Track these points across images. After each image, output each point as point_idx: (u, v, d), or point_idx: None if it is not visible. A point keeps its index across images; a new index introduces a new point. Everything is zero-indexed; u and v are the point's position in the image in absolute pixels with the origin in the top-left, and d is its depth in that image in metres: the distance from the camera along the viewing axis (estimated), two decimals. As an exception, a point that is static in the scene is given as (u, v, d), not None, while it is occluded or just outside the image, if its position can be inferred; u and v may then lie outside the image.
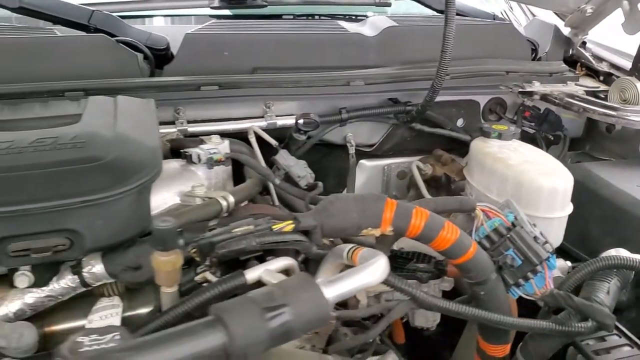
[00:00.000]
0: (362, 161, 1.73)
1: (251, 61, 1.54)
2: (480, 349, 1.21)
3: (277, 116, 1.54)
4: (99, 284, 1.04)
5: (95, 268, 1.02)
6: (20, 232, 0.91)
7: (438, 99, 1.56)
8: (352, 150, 1.67)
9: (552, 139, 1.87)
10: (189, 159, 1.22)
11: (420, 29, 1.74)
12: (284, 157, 1.29)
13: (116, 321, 1.08)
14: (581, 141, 1.95)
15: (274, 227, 0.95)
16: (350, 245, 0.94)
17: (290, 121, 1.54)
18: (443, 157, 1.77)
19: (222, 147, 1.21)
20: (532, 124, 1.81)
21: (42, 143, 1.01)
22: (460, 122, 1.79)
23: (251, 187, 1.19)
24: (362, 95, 1.60)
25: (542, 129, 1.81)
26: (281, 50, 1.57)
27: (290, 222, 0.96)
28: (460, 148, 1.77)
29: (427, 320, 1.33)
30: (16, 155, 0.97)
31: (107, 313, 1.09)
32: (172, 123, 1.39)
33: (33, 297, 1.02)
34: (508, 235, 1.09)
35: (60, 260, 0.99)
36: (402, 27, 1.70)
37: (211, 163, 1.18)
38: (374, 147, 1.75)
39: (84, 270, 1.01)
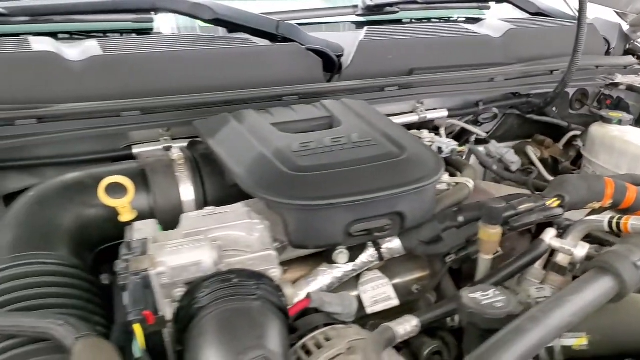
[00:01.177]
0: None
1: (409, 63, 1.75)
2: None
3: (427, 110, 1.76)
4: (389, 258, 1.24)
5: (392, 244, 1.22)
6: (362, 216, 1.10)
7: (543, 90, 1.84)
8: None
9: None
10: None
11: (535, 30, 2.01)
12: (495, 146, 1.51)
13: (389, 290, 1.29)
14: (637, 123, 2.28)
15: (547, 203, 1.19)
16: (610, 215, 1.18)
17: (436, 114, 1.77)
18: (546, 141, 2.05)
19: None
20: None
21: (339, 142, 1.20)
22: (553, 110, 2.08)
23: (473, 173, 1.42)
24: (491, 90, 1.85)
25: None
26: (432, 52, 1.79)
27: (556, 199, 1.20)
28: (552, 133, 2.06)
29: None
30: (339, 152, 1.15)
31: (378, 284, 1.30)
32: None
33: (341, 271, 1.21)
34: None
35: (380, 238, 1.18)
36: (521, 29, 1.96)
37: (455, 154, 1.39)
38: (488, 134, 2.00)
39: (382, 246, 1.22)
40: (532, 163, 1.93)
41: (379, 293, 1.28)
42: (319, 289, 1.19)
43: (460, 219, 1.22)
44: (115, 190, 1.07)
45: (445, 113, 1.78)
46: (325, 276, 1.20)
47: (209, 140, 1.25)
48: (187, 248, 0.95)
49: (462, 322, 1.04)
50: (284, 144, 1.18)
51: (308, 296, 1.11)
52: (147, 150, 1.35)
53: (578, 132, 2.03)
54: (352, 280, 1.27)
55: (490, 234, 1.11)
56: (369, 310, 1.25)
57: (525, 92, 1.91)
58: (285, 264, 1.18)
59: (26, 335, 0.84)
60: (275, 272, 1.00)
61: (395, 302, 1.26)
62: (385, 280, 1.30)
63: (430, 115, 1.76)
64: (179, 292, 0.95)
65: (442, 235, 1.20)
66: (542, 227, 1.18)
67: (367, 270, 1.28)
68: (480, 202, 1.22)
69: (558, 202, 1.20)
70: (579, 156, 2.00)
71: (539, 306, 0.88)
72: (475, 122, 1.75)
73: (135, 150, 1.40)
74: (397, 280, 1.32)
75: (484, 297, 0.97)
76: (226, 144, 1.22)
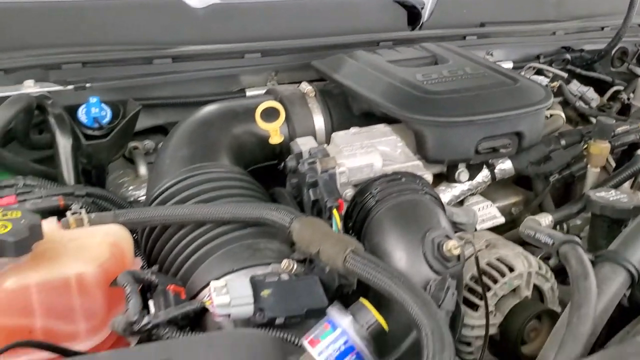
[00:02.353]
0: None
1: (481, 17, 1.90)
2: None
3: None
4: (500, 178, 1.39)
5: (505, 165, 1.37)
6: (490, 134, 1.24)
7: (594, 47, 1.99)
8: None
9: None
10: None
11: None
12: (576, 85, 1.66)
13: (494, 210, 1.44)
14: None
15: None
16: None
17: (503, 66, 1.91)
18: (593, 95, 2.21)
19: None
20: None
21: (456, 74, 1.34)
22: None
23: (561, 108, 1.56)
24: (551, 44, 2.00)
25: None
26: (501, 8, 1.94)
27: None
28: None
29: None
30: (460, 81, 1.29)
31: (482, 205, 1.44)
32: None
33: (458, 190, 1.36)
34: None
35: (500, 157, 1.32)
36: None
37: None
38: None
39: (496, 167, 1.36)
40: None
41: (485, 213, 1.43)
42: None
43: (563, 142, 1.37)
44: (265, 116, 1.20)
45: (510, 64, 1.92)
46: (446, 194, 1.34)
47: (334, 75, 1.38)
48: (359, 152, 1.08)
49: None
50: (408, 75, 1.31)
51: (438, 207, 1.25)
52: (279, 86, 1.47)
53: (621, 87, 2.18)
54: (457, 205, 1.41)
55: (601, 148, 1.26)
56: (478, 227, 1.39)
57: (578, 47, 2.06)
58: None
59: (242, 221, 0.98)
60: (428, 176, 1.13)
61: (501, 219, 1.40)
62: (489, 202, 1.44)
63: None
64: (350, 192, 1.09)
65: (551, 156, 1.34)
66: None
67: (469, 195, 1.43)
68: (580, 128, 1.37)
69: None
70: (622, 109, 2.16)
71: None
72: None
73: (249, 92, 1.53)
74: (496, 204, 1.47)
75: (609, 195, 1.13)
76: (352, 77, 1.35)
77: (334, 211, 0.98)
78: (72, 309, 0.82)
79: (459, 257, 0.94)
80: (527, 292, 1.09)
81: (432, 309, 0.74)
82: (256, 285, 0.83)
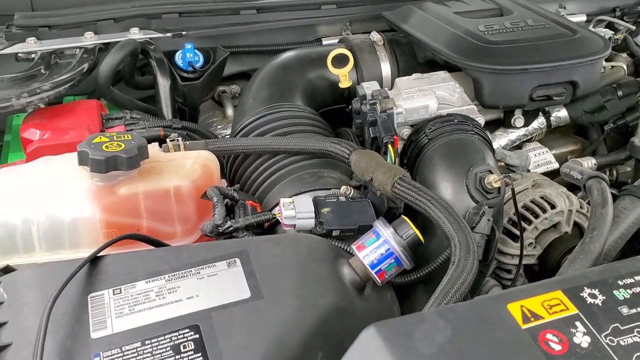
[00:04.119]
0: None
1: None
2: None
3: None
4: (556, 126, 1.47)
5: (560, 113, 1.45)
6: (544, 82, 1.32)
7: None
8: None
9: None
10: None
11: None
12: None
13: (549, 156, 1.52)
14: None
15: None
16: None
17: (576, 19, 1.93)
18: None
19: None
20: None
21: (518, 25, 1.42)
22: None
23: (624, 60, 1.61)
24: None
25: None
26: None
27: None
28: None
29: None
30: (520, 32, 1.38)
31: (539, 152, 1.53)
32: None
33: (515, 134, 1.46)
34: None
35: (554, 104, 1.41)
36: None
37: (612, 41, 1.59)
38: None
39: (552, 114, 1.44)
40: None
41: (540, 159, 1.52)
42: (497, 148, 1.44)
43: (620, 93, 1.42)
44: (336, 62, 1.34)
45: (583, 17, 1.94)
46: (502, 138, 1.45)
47: (402, 25, 1.50)
48: (417, 95, 1.21)
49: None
50: (472, 26, 1.40)
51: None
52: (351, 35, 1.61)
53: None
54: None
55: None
56: (533, 171, 1.49)
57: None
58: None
59: (309, 152, 1.14)
60: (481, 119, 1.24)
61: (555, 165, 1.49)
62: (545, 149, 1.53)
63: (571, 19, 1.93)
64: (406, 132, 1.22)
65: (606, 106, 1.41)
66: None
67: (527, 141, 1.52)
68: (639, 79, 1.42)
69: None
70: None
71: None
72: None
73: (325, 42, 1.67)
74: (553, 152, 1.55)
75: (653, 142, 1.20)
76: (419, 27, 1.46)
77: (389, 146, 1.12)
78: (171, 214, 1.02)
79: (499, 190, 1.06)
80: (567, 229, 1.20)
81: (462, 225, 0.88)
82: (317, 203, 0.99)
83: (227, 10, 1.58)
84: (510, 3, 1.59)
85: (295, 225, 0.97)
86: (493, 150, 1.19)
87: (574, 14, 1.94)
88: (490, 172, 1.07)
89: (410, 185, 0.96)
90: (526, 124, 1.42)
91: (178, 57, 1.49)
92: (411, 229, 0.89)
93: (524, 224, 1.19)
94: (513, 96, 1.31)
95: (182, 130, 1.33)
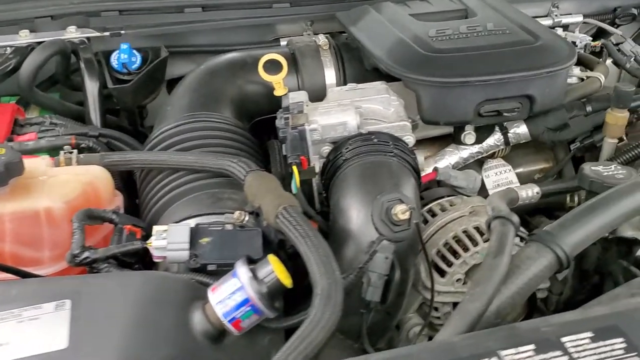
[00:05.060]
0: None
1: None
2: None
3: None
4: (515, 143, 1.32)
5: (519, 129, 1.30)
6: (493, 96, 1.18)
7: None
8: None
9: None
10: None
11: None
12: (630, 44, 1.49)
13: (511, 175, 1.37)
14: None
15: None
16: None
17: (571, 19, 1.75)
18: None
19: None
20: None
21: (474, 30, 1.27)
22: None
23: (605, 70, 1.43)
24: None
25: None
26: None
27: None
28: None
29: None
30: (474, 38, 1.23)
31: (500, 170, 1.38)
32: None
33: (467, 152, 1.31)
34: None
35: (507, 121, 1.26)
36: None
37: (589, 49, 1.42)
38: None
39: (510, 131, 1.29)
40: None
41: (501, 178, 1.37)
42: (445, 167, 1.30)
43: (589, 108, 1.26)
44: (272, 67, 1.22)
45: (580, 18, 1.76)
46: (452, 156, 1.31)
47: (350, 28, 1.37)
48: (335, 111, 1.09)
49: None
50: (422, 30, 1.26)
51: (435, 170, 1.23)
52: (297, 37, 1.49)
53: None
54: (476, 167, 1.37)
55: (618, 118, 1.15)
56: (492, 192, 1.35)
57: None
58: (415, 145, 1.29)
59: (208, 170, 1.04)
60: (409, 139, 1.12)
61: (516, 185, 1.34)
62: (508, 168, 1.38)
63: (565, 20, 1.76)
64: (326, 149, 1.10)
65: (569, 123, 1.25)
66: None
67: (490, 158, 1.38)
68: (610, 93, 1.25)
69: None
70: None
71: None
72: (612, 24, 1.71)
73: (283, 42, 1.55)
74: (520, 170, 1.40)
75: (606, 170, 1.04)
76: (367, 31, 1.33)
77: (294, 167, 1.01)
78: (40, 238, 0.94)
79: (409, 222, 0.94)
80: (502, 264, 1.06)
81: (329, 270, 0.76)
82: (198, 231, 0.89)
83: (170, 8, 1.49)
84: (478, 4, 1.43)
85: (165, 257, 0.88)
86: (417, 175, 1.07)
87: (570, 14, 1.77)
88: (401, 201, 0.95)
89: (292, 217, 0.85)
90: (479, 141, 1.27)
91: (114, 58, 1.41)
92: (273, 273, 0.78)
93: (452, 258, 1.06)
94: (454, 112, 1.18)
95: (100, 138, 1.25)
